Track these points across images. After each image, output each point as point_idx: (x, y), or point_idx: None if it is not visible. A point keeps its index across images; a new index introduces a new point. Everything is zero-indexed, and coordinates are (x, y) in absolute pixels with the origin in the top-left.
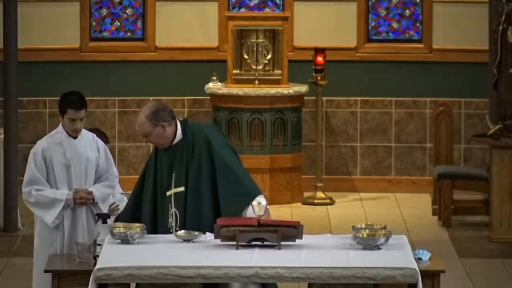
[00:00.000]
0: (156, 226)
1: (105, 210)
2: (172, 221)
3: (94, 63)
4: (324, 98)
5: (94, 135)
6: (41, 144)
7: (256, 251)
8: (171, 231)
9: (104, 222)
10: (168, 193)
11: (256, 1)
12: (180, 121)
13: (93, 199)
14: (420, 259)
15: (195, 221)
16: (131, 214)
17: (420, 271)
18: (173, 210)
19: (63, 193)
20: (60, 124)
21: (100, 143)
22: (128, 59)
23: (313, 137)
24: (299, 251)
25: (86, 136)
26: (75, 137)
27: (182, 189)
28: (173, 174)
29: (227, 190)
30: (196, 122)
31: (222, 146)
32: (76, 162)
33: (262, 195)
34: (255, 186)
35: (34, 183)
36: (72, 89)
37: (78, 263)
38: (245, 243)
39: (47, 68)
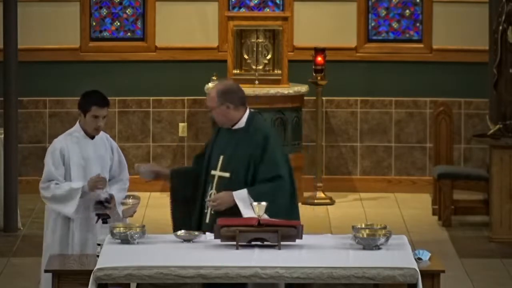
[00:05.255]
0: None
1: (120, 213)
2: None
3: (94, 63)
4: (324, 98)
5: (107, 135)
6: (59, 143)
7: (256, 251)
8: (205, 211)
9: (104, 222)
10: (212, 172)
11: (256, 1)
12: (250, 111)
13: (109, 195)
14: (420, 259)
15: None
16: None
17: (420, 271)
18: (213, 191)
19: (78, 183)
20: (78, 124)
21: (114, 143)
22: (128, 59)
23: (313, 137)
24: (299, 251)
25: (101, 136)
26: (92, 137)
27: (227, 175)
28: (222, 156)
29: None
30: (263, 121)
31: (278, 148)
32: (92, 163)
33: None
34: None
35: (52, 181)
36: (72, 89)
37: (78, 263)
38: (245, 243)
39: (47, 68)
